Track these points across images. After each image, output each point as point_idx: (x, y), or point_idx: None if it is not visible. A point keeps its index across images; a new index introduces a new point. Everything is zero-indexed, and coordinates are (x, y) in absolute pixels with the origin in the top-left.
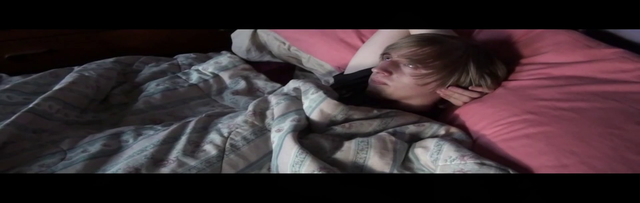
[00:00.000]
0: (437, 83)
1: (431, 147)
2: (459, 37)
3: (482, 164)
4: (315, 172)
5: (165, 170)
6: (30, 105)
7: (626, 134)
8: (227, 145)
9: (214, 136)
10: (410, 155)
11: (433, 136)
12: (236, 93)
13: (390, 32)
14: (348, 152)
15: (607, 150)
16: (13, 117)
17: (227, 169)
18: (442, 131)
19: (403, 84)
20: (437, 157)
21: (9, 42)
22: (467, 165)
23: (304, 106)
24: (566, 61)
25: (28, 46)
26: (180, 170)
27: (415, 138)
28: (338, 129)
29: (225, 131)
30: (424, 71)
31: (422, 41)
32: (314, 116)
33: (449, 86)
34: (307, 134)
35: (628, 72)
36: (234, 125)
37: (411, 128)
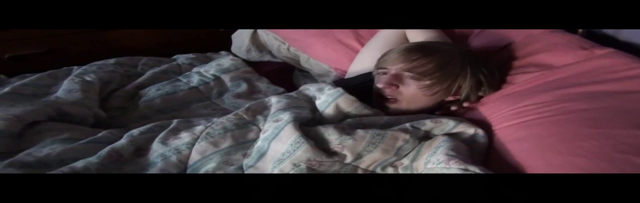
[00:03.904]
0: (444, 91)
1: (432, 147)
2: (449, 44)
3: (466, 171)
4: (301, 164)
5: (142, 160)
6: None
7: (611, 132)
8: (204, 133)
9: (197, 127)
10: (412, 153)
11: (446, 134)
12: (237, 95)
13: (388, 36)
14: (359, 143)
15: (595, 149)
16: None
17: (194, 156)
18: (456, 130)
19: (411, 95)
20: (428, 159)
21: (9, 42)
22: (451, 169)
23: (319, 102)
24: (559, 62)
25: (28, 46)
26: (151, 158)
27: (430, 135)
28: (350, 121)
29: (210, 121)
30: (428, 82)
31: (417, 51)
32: (329, 110)
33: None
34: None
35: (617, 72)
36: (222, 118)
37: (428, 125)
